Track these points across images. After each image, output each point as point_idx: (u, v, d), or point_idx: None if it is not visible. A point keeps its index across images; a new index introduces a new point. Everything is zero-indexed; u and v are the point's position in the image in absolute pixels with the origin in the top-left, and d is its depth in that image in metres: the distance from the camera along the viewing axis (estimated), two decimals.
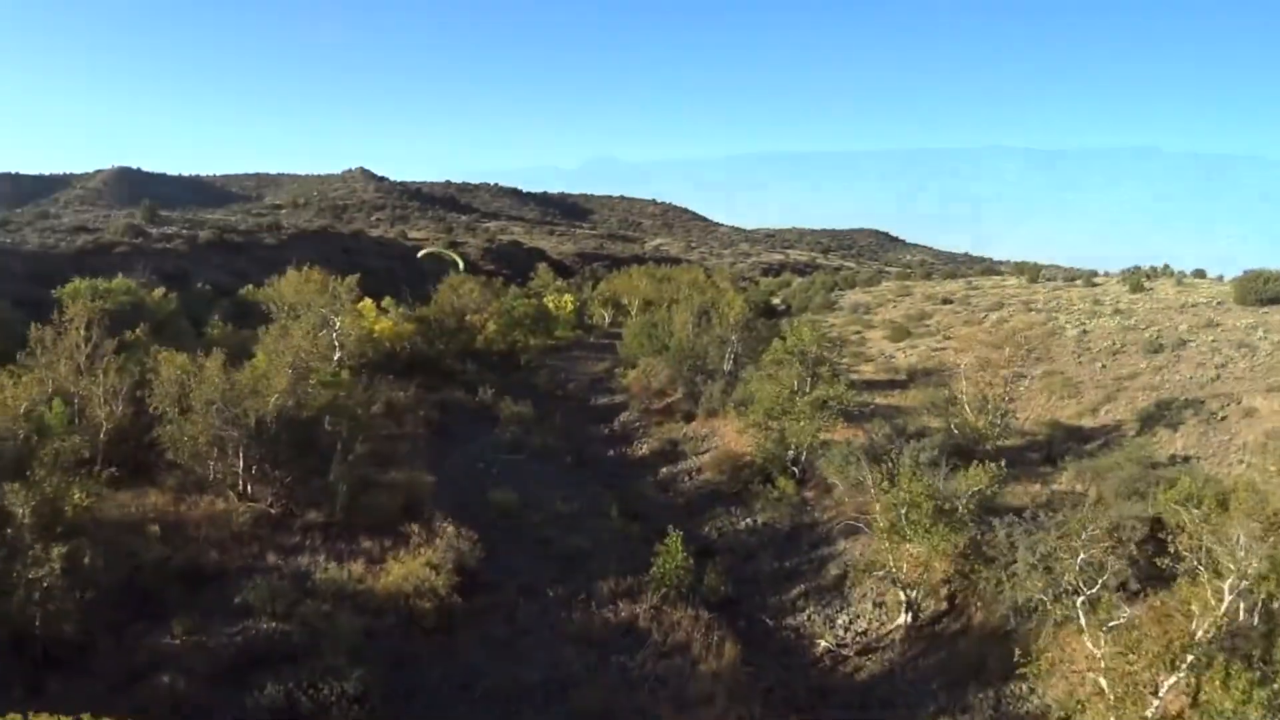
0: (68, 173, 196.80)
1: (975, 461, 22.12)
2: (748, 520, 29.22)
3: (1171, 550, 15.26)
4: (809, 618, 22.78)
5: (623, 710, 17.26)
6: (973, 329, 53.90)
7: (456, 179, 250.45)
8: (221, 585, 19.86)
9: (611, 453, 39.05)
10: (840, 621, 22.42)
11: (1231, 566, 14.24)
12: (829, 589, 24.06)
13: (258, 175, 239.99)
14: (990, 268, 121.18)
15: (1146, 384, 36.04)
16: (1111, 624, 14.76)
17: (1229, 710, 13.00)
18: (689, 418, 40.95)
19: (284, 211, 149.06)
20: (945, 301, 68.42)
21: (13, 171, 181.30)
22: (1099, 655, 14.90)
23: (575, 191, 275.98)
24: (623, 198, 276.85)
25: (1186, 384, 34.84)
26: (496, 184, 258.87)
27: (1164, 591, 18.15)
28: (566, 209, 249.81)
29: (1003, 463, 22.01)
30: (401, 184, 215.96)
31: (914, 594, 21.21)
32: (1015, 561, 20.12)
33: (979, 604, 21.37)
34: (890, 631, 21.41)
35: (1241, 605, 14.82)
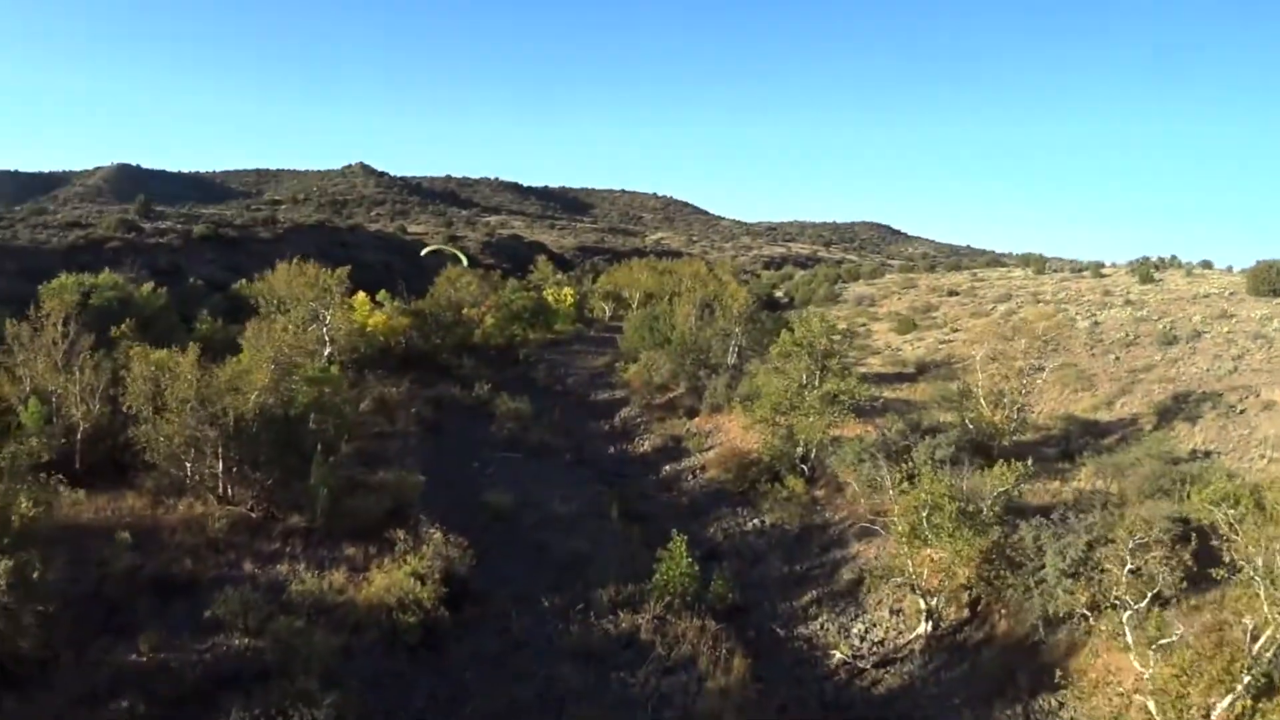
0: (67, 170, 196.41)
1: (997, 459, 20.84)
2: (755, 521, 27.88)
3: (1226, 558, 13.85)
4: (822, 626, 21.40)
5: None
6: (981, 321, 52.84)
7: (457, 174, 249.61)
8: (194, 596, 18.60)
9: (612, 450, 37.75)
10: (855, 630, 21.04)
11: None
12: (842, 595, 22.69)
13: (258, 171, 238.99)
14: (995, 259, 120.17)
15: (1162, 376, 35.08)
16: (1162, 641, 13.36)
17: None
18: (692, 413, 39.74)
19: (283, 207, 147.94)
20: (951, 293, 67.35)
21: (12, 169, 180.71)
22: (1146, 675, 13.53)
23: (576, 185, 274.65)
24: (624, 191, 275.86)
25: (1203, 376, 33.88)
26: (497, 178, 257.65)
27: (1196, 596, 16.89)
28: (567, 203, 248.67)
29: (1029, 461, 20.64)
30: (402, 179, 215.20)
31: (934, 601, 19.85)
32: (1044, 567, 18.84)
33: (1003, 611, 20.03)
34: (909, 641, 20.04)
35: None
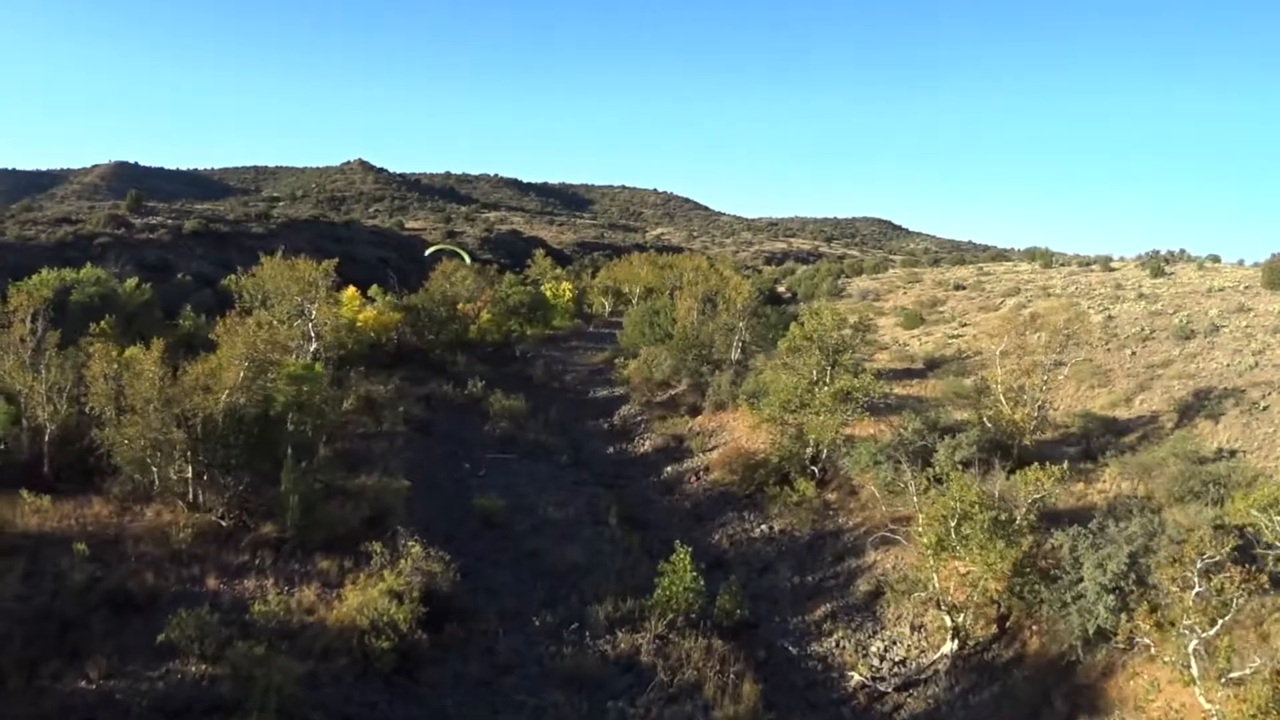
0: (65, 168, 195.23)
1: (1018, 460, 19.16)
2: (763, 527, 26.22)
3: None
4: (838, 644, 19.69)
5: None
6: (991, 315, 51.36)
7: (456, 170, 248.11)
8: (152, 615, 16.93)
9: (610, 450, 36.11)
10: (874, 649, 19.33)
11: None
12: (859, 608, 21.00)
13: (256, 168, 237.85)
14: (1000, 254, 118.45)
15: (1181, 372, 33.68)
16: (1233, 674, 11.70)
17: None
18: (694, 411, 38.12)
19: (281, 204, 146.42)
20: (957, 287, 65.93)
21: (10, 168, 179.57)
22: (1213, 711, 11.87)
23: (576, 181, 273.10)
24: (624, 187, 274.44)
25: (1223, 372, 32.44)
26: (496, 174, 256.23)
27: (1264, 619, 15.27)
28: (567, 199, 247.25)
29: (1064, 464, 18.94)
30: (401, 175, 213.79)
31: (961, 618, 18.17)
32: (1081, 580, 17.19)
33: (1034, 628, 18.37)
34: (934, 661, 18.34)
35: None
